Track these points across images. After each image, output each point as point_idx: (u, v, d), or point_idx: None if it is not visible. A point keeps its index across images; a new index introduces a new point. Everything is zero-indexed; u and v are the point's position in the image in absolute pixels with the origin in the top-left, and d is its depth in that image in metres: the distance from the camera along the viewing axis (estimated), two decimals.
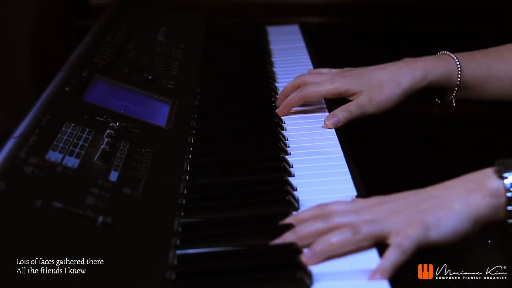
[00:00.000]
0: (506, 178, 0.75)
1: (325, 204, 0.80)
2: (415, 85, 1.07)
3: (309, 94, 1.10)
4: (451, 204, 0.76)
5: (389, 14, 1.84)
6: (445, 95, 1.12)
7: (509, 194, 0.75)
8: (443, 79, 1.08)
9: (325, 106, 1.15)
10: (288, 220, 0.80)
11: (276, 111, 1.13)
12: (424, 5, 1.83)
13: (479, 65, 1.09)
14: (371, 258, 0.74)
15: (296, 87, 1.13)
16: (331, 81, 1.10)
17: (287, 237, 0.77)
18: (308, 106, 1.16)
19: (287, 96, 1.13)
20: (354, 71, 1.12)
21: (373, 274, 0.72)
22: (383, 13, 1.85)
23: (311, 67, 1.37)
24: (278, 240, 0.77)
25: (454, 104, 1.12)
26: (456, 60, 1.09)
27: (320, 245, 0.74)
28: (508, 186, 0.75)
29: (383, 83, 1.07)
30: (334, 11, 1.84)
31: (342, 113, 1.07)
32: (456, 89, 1.09)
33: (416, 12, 1.84)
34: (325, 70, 1.18)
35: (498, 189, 0.75)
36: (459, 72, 1.08)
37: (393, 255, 0.73)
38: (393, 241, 0.74)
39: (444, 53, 1.11)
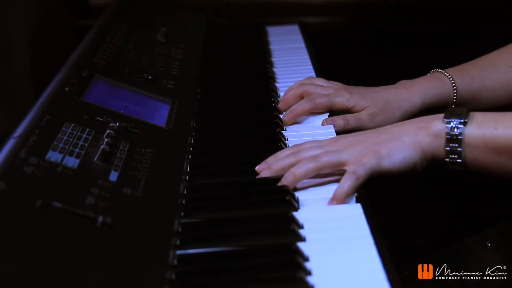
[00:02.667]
0: (449, 123, 0.88)
1: (299, 144, 0.95)
2: (414, 110, 1.11)
3: (318, 105, 1.11)
4: (402, 138, 0.89)
5: (389, 14, 1.84)
6: (442, 110, 1.14)
7: (448, 137, 0.87)
8: (440, 99, 1.12)
9: None
10: (268, 160, 0.93)
11: (283, 119, 1.11)
12: (424, 5, 1.83)
13: (472, 79, 1.12)
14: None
15: (298, 96, 1.14)
16: (338, 94, 1.11)
17: (263, 173, 0.92)
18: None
19: (288, 105, 1.14)
20: (358, 88, 1.13)
21: (330, 201, 0.86)
22: (383, 13, 1.85)
23: (311, 67, 1.37)
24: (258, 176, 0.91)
25: None
26: (451, 79, 1.11)
27: (287, 178, 0.88)
28: (448, 129, 0.87)
29: (387, 103, 1.09)
30: (334, 11, 1.84)
31: (340, 121, 1.09)
32: (453, 106, 1.12)
33: (416, 12, 1.84)
34: (324, 82, 1.18)
35: (440, 131, 0.88)
36: (455, 91, 1.11)
37: (347, 182, 0.85)
38: (348, 168, 0.87)
39: (437, 71, 1.13)
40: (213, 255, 0.77)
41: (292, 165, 0.90)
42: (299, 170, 0.88)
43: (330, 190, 0.88)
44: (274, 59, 1.45)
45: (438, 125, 0.89)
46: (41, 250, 0.70)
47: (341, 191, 0.85)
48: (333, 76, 1.21)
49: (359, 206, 0.84)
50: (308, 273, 0.72)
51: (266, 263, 0.75)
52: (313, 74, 1.33)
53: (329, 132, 1.06)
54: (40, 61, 1.74)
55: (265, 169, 0.92)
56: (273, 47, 1.54)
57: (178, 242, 0.79)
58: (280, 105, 1.16)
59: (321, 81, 1.17)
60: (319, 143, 0.93)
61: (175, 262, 0.76)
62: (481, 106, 1.14)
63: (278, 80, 1.32)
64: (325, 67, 1.26)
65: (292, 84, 1.23)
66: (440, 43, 1.83)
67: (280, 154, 0.94)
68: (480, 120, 0.87)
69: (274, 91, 1.24)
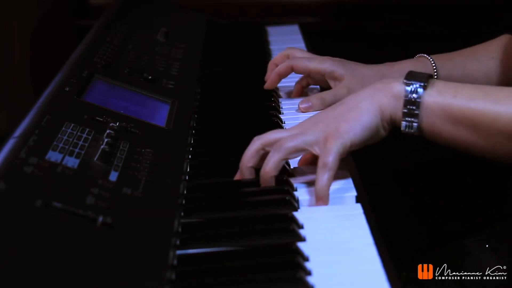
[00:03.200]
0: (409, 85, 0.87)
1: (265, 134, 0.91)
2: None
3: (297, 64, 1.18)
4: (359, 104, 0.88)
5: (389, 15, 1.84)
6: None
7: (406, 98, 0.86)
8: None
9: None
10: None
11: (266, 83, 1.19)
12: (424, 6, 1.83)
13: (454, 65, 1.16)
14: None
15: (285, 57, 1.20)
16: (320, 60, 1.17)
17: (238, 173, 0.91)
18: (308, 105, 1.16)
19: (277, 65, 1.20)
20: (342, 60, 1.18)
21: (316, 201, 0.84)
22: (383, 14, 1.85)
23: None
24: (236, 176, 0.91)
25: None
26: (432, 62, 1.15)
27: (262, 178, 0.87)
28: (408, 91, 0.86)
29: (364, 78, 1.14)
30: (334, 11, 1.84)
31: (315, 100, 1.14)
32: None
33: (416, 12, 1.84)
34: (313, 54, 1.23)
35: (399, 92, 0.87)
36: (435, 74, 1.15)
37: (323, 176, 0.84)
38: (319, 161, 0.85)
39: (421, 56, 1.18)
40: (213, 255, 0.77)
41: (257, 151, 0.89)
42: (267, 166, 0.87)
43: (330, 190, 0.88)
44: None
45: (397, 86, 0.88)
46: (41, 250, 0.69)
47: (321, 187, 0.84)
48: None
49: (359, 206, 0.84)
50: (308, 273, 0.72)
51: (266, 263, 0.75)
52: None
53: None
54: (40, 61, 1.74)
55: (238, 173, 0.91)
56: (273, 47, 1.54)
57: (178, 242, 0.79)
58: (268, 67, 1.23)
59: (311, 54, 1.23)
60: (284, 130, 0.92)
61: (175, 262, 0.76)
62: None
63: None
64: None
65: (292, 84, 1.24)
66: (440, 43, 1.83)
67: (246, 154, 0.91)
68: (441, 87, 0.87)
69: (274, 91, 1.24)
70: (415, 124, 0.87)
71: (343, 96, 1.09)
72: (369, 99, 0.88)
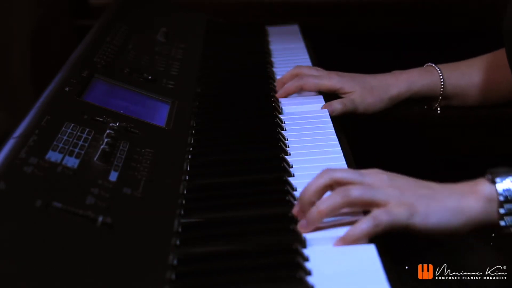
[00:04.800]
0: (498, 183, 0.79)
1: (333, 170, 0.82)
2: (401, 94, 1.18)
3: (307, 84, 1.20)
4: (444, 200, 0.79)
5: (389, 15, 1.84)
6: (430, 103, 1.21)
7: (501, 198, 0.78)
8: (427, 89, 1.19)
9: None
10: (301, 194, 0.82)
11: (276, 95, 1.21)
12: (424, 5, 1.83)
13: (461, 74, 1.19)
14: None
15: (294, 76, 1.23)
16: (328, 77, 1.20)
17: (296, 209, 0.81)
18: (308, 105, 1.17)
19: (284, 83, 1.23)
20: (349, 74, 1.21)
21: (338, 241, 0.77)
22: (383, 14, 1.85)
23: None
24: (302, 224, 0.79)
25: (438, 111, 1.21)
26: (439, 72, 1.18)
27: (310, 215, 0.79)
28: (500, 191, 0.79)
29: (373, 88, 1.17)
30: (334, 11, 1.84)
31: (337, 105, 1.15)
32: (440, 98, 1.19)
33: (416, 12, 1.84)
34: (321, 70, 1.25)
35: (491, 194, 0.79)
36: (442, 83, 1.18)
37: (364, 224, 0.76)
38: (374, 211, 0.77)
39: (429, 65, 1.21)
40: (213, 255, 0.77)
41: (326, 187, 0.81)
42: (323, 205, 0.78)
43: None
44: (274, 59, 1.45)
45: (486, 188, 0.79)
46: (41, 250, 0.70)
47: (353, 233, 0.76)
48: None
49: None
50: (308, 273, 0.72)
51: (266, 263, 0.75)
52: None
53: (328, 127, 1.08)
54: (40, 61, 1.74)
55: (311, 211, 0.80)
56: (273, 47, 1.54)
57: (178, 242, 0.79)
58: (277, 83, 1.26)
59: (318, 69, 1.25)
60: (356, 172, 0.83)
61: (175, 262, 0.76)
62: (469, 102, 1.21)
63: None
64: (325, 67, 1.26)
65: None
66: (440, 43, 1.83)
67: (311, 186, 0.81)
68: None
69: (274, 91, 1.24)
70: None
71: (359, 103, 1.16)
72: (456, 200, 0.79)
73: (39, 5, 1.78)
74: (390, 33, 1.84)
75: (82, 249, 0.72)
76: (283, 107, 1.18)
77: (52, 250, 0.70)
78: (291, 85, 1.21)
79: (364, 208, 0.80)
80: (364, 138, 1.64)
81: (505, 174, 0.79)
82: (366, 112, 1.17)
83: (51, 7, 1.84)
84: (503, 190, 0.79)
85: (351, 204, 0.79)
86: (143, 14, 1.52)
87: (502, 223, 0.79)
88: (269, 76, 1.32)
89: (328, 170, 0.82)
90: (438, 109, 1.21)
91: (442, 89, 1.18)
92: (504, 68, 1.14)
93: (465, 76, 1.19)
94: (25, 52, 1.72)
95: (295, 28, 1.66)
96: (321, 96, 1.20)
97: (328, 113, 1.13)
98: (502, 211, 0.79)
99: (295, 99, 1.21)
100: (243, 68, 1.40)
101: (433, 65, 1.19)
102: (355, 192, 0.78)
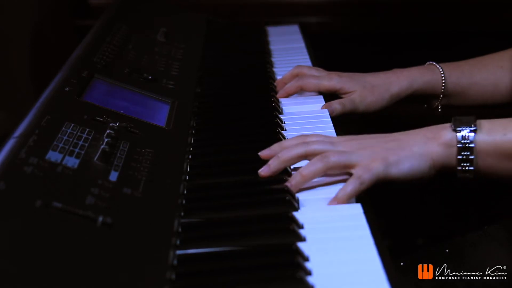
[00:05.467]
0: (459, 131, 0.88)
1: (306, 135, 0.94)
2: (401, 92, 1.18)
3: (307, 84, 1.21)
4: (411, 148, 0.89)
5: (388, 14, 1.84)
6: (431, 101, 1.22)
7: (459, 145, 0.88)
8: (427, 87, 1.19)
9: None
10: (273, 147, 0.94)
11: (277, 95, 1.22)
12: (424, 5, 1.83)
13: (462, 73, 1.19)
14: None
15: (294, 76, 1.24)
16: (328, 77, 1.20)
17: (272, 164, 0.91)
18: (308, 105, 1.17)
19: (285, 83, 1.24)
20: (349, 73, 1.21)
21: (331, 201, 0.85)
22: (383, 14, 1.85)
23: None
24: (265, 168, 0.91)
25: (439, 110, 1.22)
26: (441, 70, 1.19)
27: (295, 178, 0.88)
28: (460, 138, 0.88)
29: (374, 87, 1.17)
30: (334, 11, 1.84)
31: (337, 105, 1.16)
32: (441, 96, 1.19)
33: (416, 12, 1.84)
34: (321, 70, 1.25)
35: (451, 140, 0.88)
36: (443, 81, 1.18)
37: (351, 185, 0.85)
38: (355, 172, 0.87)
39: (431, 64, 1.21)
40: (213, 255, 0.77)
41: (301, 156, 0.90)
42: (306, 170, 0.88)
43: (330, 190, 0.88)
44: (274, 59, 1.45)
45: (448, 134, 0.89)
46: (41, 250, 0.70)
47: (344, 193, 0.85)
48: None
49: (359, 206, 0.84)
50: (308, 273, 0.72)
51: (266, 263, 0.75)
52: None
53: (328, 126, 1.08)
54: (40, 61, 1.74)
55: (273, 158, 0.92)
56: (273, 47, 1.54)
57: (178, 242, 0.79)
58: (277, 83, 1.27)
59: (319, 69, 1.25)
60: (327, 139, 0.93)
61: (175, 262, 0.76)
62: (469, 101, 1.21)
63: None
64: (325, 67, 1.27)
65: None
66: (440, 43, 1.83)
67: (287, 143, 0.94)
68: (489, 127, 0.88)
69: (274, 91, 1.24)
70: (470, 168, 0.88)
71: (359, 103, 1.16)
72: (421, 145, 0.89)
73: (39, 6, 1.78)
74: (390, 33, 1.84)
75: (82, 249, 0.72)
76: (283, 107, 1.18)
77: (52, 250, 0.70)
78: (291, 86, 1.22)
79: (342, 170, 0.89)
80: None
81: (466, 124, 0.88)
82: (367, 111, 1.18)
83: (51, 7, 1.84)
84: (462, 137, 0.87)
85: (331, 168, 0.88)
86: (143, 14, 1.52)
87: (458, 168, 0.88)
88: (269, 76, 1.32)
89: (304, 142, 0.92)
90: (439, 107, 1.21)
91: (443, 87, 1.18)
92: (506, 69, 1.15)
93: (466, 75, 1.19)
94: (25, 52, 1.72)
95: (295, 28, 1.66)
96: (321, 96, 1.20)
97: (328, 113, 1.13)
98: (459, 157, 0.88)
99: (295, 99, 1.21)
100: (243, 68, 1.40)
101: (435, 63, 1.20)
102: (333, 158, 0.88)
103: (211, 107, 1.21)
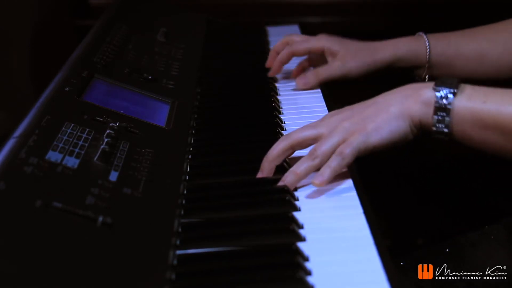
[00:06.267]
0: (439, 91, 0.87)
1: (288, 134, 0.93)
2: (385, 59, 1.20)
3: (298, 48, 1.24)
4: (389, 108, 0.89)
5: (388, 14, 1.84)
6: (417, 71, 1.22)
7: (436, 105, 0.87)
8: (411, 55, 1.20)
9: (325, 107, 1.16)
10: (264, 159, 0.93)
11: (269, 72, 1.26)
12: (424, 5, 1.83)
13: (448, 43, 1.19)
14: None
15: (285, 44, 1.27)
16: (317, 38, 1.24)
17: (262, 167, 0.92)
18: (308, 105, 1.17)
19: (278, 52, 1.27)
20: (338, 37, 1.25)
21: (316, 177, 0.86)
22: (383, 13, 1.85)
23: (311, 67, 1.37)
24: (258, 174, 0.92)
25: (426, 81, 1.19)
26: (426, 39, 1.19)
27: (287, 178, 0.88)
28: (438, 98, 0.87)
29: (358, 51, 1.20)
30: (334, 11, 1.84)
31: (311, 75, 1.20)
32: (426, 65, 1.19)
33: (416, 12, 1.84)
34: (310, 36, 1.29)
35: (429, 99, 0.87)
36: (428, 50, 1.18)
37: (333, 162, 0.87)
38: (336, 151, 0.87)
39: (419, 34, 1.22)
40: (213, 255, 0.78)
41: (286, 150, 0.91)
42: (299, 168, 0.88)
43: (329, 190, 0.88)
44: None
45: (427, 92, 0.88)
46: (41, 250, 0.70)
47: (327, 170, 0.86)
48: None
49: (359, 206, 0.84)
50: (308, 273, 0.72)
51: (266, 263, 0.75)
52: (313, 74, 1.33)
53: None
54: (40, 61, 1.74)
55: (262, 161, 0.92)
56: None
57: (178, 242, 0.79)
58: (270, 55, 1.30)
59: (308, 36, 1.29)
60: (311, 127, 0.92)
61: (175, 262, 0.76)
62: (455, 73, 1.19)
63: (278, 80, 1.32)
64: None
65: (292, 84, 1.24)
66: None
67: (272, 152, 0.92)
68: (470, 92, 0.87)
69: (274, 91, 1.24)
70: (445, 130, 0.87)
71: (337, 68, 1.19)
72: (398, 104, 0.89)
73: (39, 5, 1.78)
74: (390, 33, 1.84)
75: (82, 249, 0.72)
76: (283, 107, 1.18)
77: (52, 250, 0.70)
78: (283, 54, 1.25)
79: (331, 154, 0.88)
80: None
81: (448, 85, 0.87)
82: (348, 76, 1.20)
83: (51, 7, 1.84)
84: (440, 97, 0.86)
85: (322, 161, 0.88)
86: (143, 14, 1.52)
87: (433, 128, 0.87)
88: (269, 76, 1.32)
89: (285, 136, 0.92)
90: (426, 79, 1.21)
91: (428, 57, 1.18)
92: (495, 42, 1.14)
93: (452, 46, 1.18)
94: (25, 52, 1.72)
95: (295, 28, 1.66)
96: (320, 96, 1.20)
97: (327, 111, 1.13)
98: (435, 117, 0.87)
99: (296, 99, 1.21)
100: (243, 68, 1.40)
101: (422, 33, 1.20)
102: (320, 150, 0.88)
103: (211, 107, 1.21)
